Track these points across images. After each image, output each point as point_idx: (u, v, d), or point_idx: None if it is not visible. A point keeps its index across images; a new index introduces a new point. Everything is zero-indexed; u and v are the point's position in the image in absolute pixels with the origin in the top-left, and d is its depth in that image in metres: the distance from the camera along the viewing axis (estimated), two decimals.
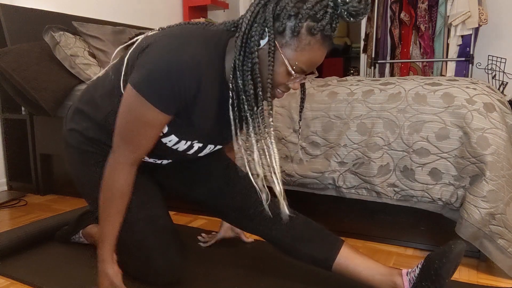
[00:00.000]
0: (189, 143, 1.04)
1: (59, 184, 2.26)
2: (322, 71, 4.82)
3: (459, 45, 3.00)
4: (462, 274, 1.26)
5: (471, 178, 1.26)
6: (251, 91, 0.88)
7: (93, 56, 2.16)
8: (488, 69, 3.11)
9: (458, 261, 0.96)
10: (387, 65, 3.38)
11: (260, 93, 0.88)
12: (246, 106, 0.90)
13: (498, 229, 1.20)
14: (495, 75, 3.06)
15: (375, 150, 1.39)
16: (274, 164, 0.90)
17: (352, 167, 1.43)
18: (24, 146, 2.31)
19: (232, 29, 0.96)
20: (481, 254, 1.33)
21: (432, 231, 1.43)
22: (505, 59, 3.09)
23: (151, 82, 0.86)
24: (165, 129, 0.98)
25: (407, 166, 1.35)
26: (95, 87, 1.11)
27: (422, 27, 3.16)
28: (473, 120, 1.27)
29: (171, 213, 1.36)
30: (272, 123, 0.90)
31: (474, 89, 1.35)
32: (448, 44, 3.06)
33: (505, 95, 2.77)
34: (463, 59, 2.98)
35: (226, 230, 1.46)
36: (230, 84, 0.91)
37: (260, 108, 0.89)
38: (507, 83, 3.00)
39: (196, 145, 1.06)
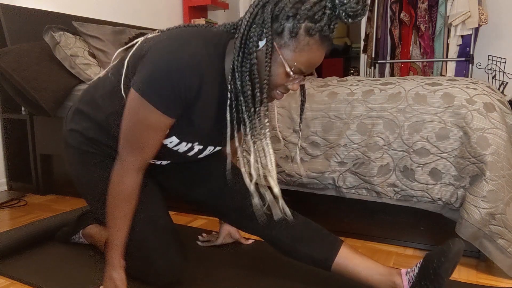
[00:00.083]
0: (189, 145, 1.04)
1: (59, 184, 2.26)
2: (322, 71, 4.82)
3: (459, 45, 3.00)
4: (462, 274, 1.26)
5: (471, 178, 1.26)
6: (249, 92, 0.88)
7: (93, 56, 2.16)
8: (488, 69, 3.11)
9: (457, 260, 0.96)
10: (387, 65, 3.38)
11: (258, 94, 0.88)
12: (244, 108, 0.90)
13: (498, 229, 1.20)
14: (495, 75, 3.06)
15: (375, 150, 1.39)
16: (270, 166, 0.90)
17: (352, 167, 1.43)
18: (24, 146, 2.31)
19: (232, 30, 0.96)
20: (481, 254, 1.33)
21: (432, 231, 1.43)
22: (505, 59, 3.10)
23: (153, 84, 0.87)
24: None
25: (407, 166, 1.35)
26: (96, 88, 1.11)
27: (422, 27, 3.16)
28: (473, 120, 1.27)
29: (171, 213, 1.36)
30: (267, 124, 0.90)
31: (474, 89, 1.35)
32: (448, 44, 3.06)
33: (505, 95, 2.77)
34: (463, 59, 2.98)
35: (224, 236, 1.46)
36: (229, 85, 0.91)
37: (257, 109, 0.89)
38: (507, 83, 3.00)
39: (197, 147, 1.06)
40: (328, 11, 0.83)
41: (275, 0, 0.85)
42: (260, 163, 0.91)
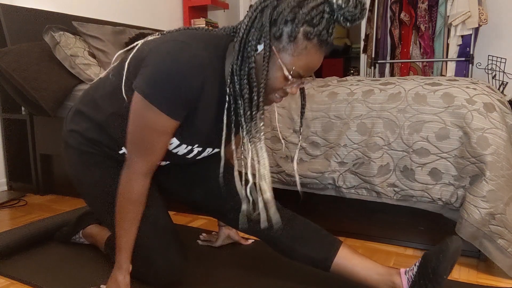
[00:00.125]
0: (189, 147, 1.05)
1: (59, 184, 2.26)
2: (322, 72, 4.82)
3: (459, 45, 3.00)
4: (462, 274, 1.26)
5: (471, 178, 1.26)
6: (247, 96, 0.89)
7: (93, 56, 2.16)
8: (488, 69, 3.11)
9: (456, 258, 0.96)
10: (387, 65, 3.38)
11: (255, 98, 0.88)
12: (242, 111, 0.90)
13: (498, 229, 1.20)
14: (495, 75, 3.06)
15: (375, 150, 1.39)
16: (263, 169, 0.90)
17: (352, 167, 1.43)
18: (24, 146, 2.31)
19: (232, 34, 0.97)
20: (481, 254, 1.33)
21: (431, 231, 1.43)
22: (505, 59, 3.10)
23: (157, 87, 0.87)
24: None
25: (407, 166, 1.35)
26: (96, 89, 1.11)
27: (422, 27, 3.16)
28: (473, 120, 1.27)
29: (171, 213, 1.36)
30: (263, 127, 0.91)
31: (474, 89, 1.35)
32: (448, 44, 3.06)
33: (505, 95, 2.77)
34: (463, 59, 2.98)
35: (224, 239, 1.46)
36: (228, 89, 0.92)
37: (254, 113, 0.89)
38: (507, 83, 3.00)
39: (196, 149, 1.07)
40: (326, 15, 0.83)
41: (273, 5, 0.85)
42: (254, 167, 0.91)
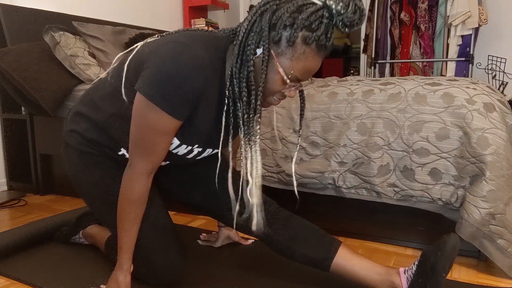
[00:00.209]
0: (189, 147, 1.05)
1: (59, 184, 2.26)
2: (322, 72, 4.82)
3: (459, 45, 3.00)
4: (462, 274, 1.26)
5: (471, 178, 1.26)
6: (245, 99, 0.90)
7: (93, 56, 2.16)
8: (488, 69, 3.11)
9: (454, 255, 0.96)
10: (387, 65, 3.38)
11: (253, 101, 0.89)
12: (240, 114, 0.91)
13: (498, 229, 1.20)
14: (495, 75, 3.06)
15: (375, 150, 1.39)
16: (254, 173, 0.91)
17: (352, 167, 1.43)
18: (24, 146, 2.31)
19: (232, 35, 0.97)
20: (481, 254, 1.33)
21: (431, 231, 1.43)
22: (505, 59, 3.09)
23: (160, 87, 0.87)
24: None
25: (407, 166, 1.35)
26: (96, 90, 1.11)
27: (422, 27, 3.16)
28: (473, 120, 1.27)
29: (171, 213, 1.36)
30: (258, 131, 0.92)
31: (474, 89, 1.35)
32: (448, 44, 3.06)
33: (505, 95, 2.76)
34: (463, 59, 2.98)
35: (223, 239, 1.46)
36: (227, 91, 0.93)
37: (251, 115, 0.90)
38: (507, 83, 3.00)
39: (196, 149, 1.07)
40: (325, 21, 0.84)
41: (273, 9, 0.86)
42: (249, 170, 0.92)
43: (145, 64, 0.91)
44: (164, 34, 0.99)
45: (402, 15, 3.21)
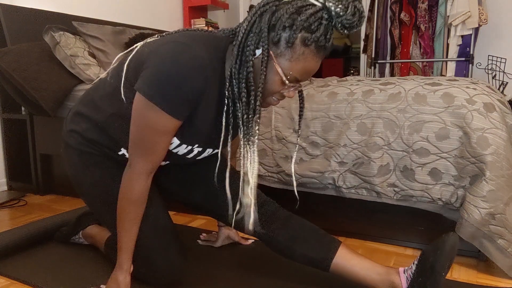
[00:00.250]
0: (189, 147, 1.05)
1: (59, 184, 2.26)
2: (322, 71, 4.82)
3: (459, 45, 3.00)
4: (462, 274, 1.26)
5: (471, 178, 1.26)
6: (244, 99, 0.90)
7: (93, 56, 2.16)
8: (488, 69, 3.11)
9: (453, 254, 0.96)
10: (387, 65, 3.38)
11: (252, 101, 0.89)
12: (240, 114, 0.92)
13: (498, 229, 1.20)
14: (495, 75, 3.06)
15: (375, 150, 1.39)
16: (250, 174, 0.92)
17: (352, 167, 1.43)
18: (24, 146, 2.31)
19: (231, 36, 0.97)
20: (481, 254, 1.33)
21: (431, 231, 1.43)
22: (505, 59, 3.09)
23: (160, 87, 0.88)
24: None
25: (407, 166, 1.35)
26: (95, 90, 1.11)
27: (422, 27, 3.16)
28: (473, 120, 1.27)
29: (171, 213, 1.36)
30: (257, 131, 0.92)
31: (474, 89, 1.35)
32: (448, 44, 3.06)
33: (505, 95, 2.76)
34: (463, 59, 2.98)
35: (223, 239, 1.46)
36: (226, 92, 0.93)
37: (250, 116, 0.91)
38: (507, 83, 3.00)
39: (196, 149, 1.07)
40: (324, 22, 0.84)
41: (272, 10, 0.86)
42: (246, 169, 0.92)
43: (145, 64, 0.91)
44: (164, 34, 1.00)
45: (402, 15, 3.21)
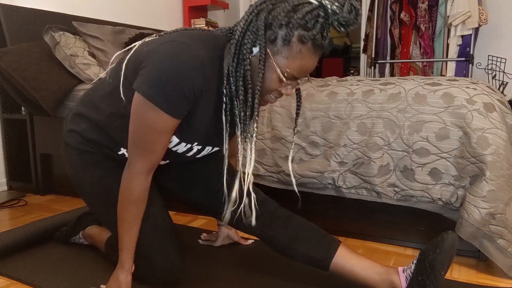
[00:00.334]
0: (188, 145, 1.05)
1: (59, 184, 2.26)
2: (322, 71, 4.82)
3: (459, 45, 3.00)
4: (462, 274, 1.26)
5: (471, 178, 1.26)
6: (241, 97, 0.91)
7: (93, 56, 2.16)
8: (488, 69, 3.11)
9: (452, 251, 0.97)
10: (387, 65, 3.38)
11: (250, 99, 0.90)
12: (237, 112, 0.92)
13: (498, 229, 1.20)
14: (495, 75, 3.06)
15: (375, 150, 1.39)
16: (248, 170, 0.92)
17: (352, 167, 1.43)
18: (24, 146, 2.31)
19: (229, 34, 0.97)
20: (481, 254, 1.33)
21: (431, 231, 1.43)
22: (505, 59, 3.09)
23: (158, 87, 0.88)
24: None
25: (407, 166, 1.35)
26: (95, 90, 1.11)
27: (422, 27, 3.16)
28: (473, 120, 1.27)
29: (171, 213, 1.36)
30: (256, 129, 0.93)
31: (474, 89, 1.35)
32: (448, 44, 3.06)
33: (505, 95, 2.76)
34: (463, 59, 2.98)
35: (223, 239, 1.46)
36: (224, 90, 0.93)
37: (248, 113, 0.91)
38: (507, 83, 3.00)
39: (195, 147, 1.07)
40: (321, 20, 0.84)
41: (269, 8, 0.86)
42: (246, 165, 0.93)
43: (144, 63, 0.91)
44: (162, 33, 1.00)
45: (402, 15, 3.21)
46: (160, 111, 0.89)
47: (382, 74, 3.39)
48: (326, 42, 0.88)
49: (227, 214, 1.03)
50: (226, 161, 1.02)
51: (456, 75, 3.07)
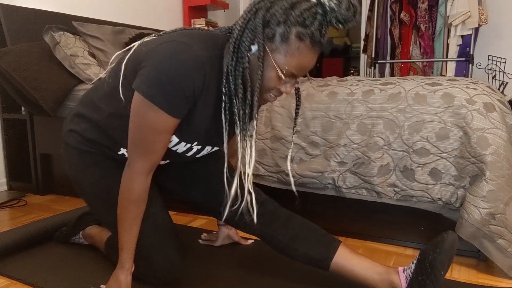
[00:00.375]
0: (188, 145, 1.05)
1: (59, 184, 2.26)
2: (322, 71, 4.82)
3: (459, 45, 3.00)
4: (462, 274, 1.26)
5: (471, 178, 1.26)
6: (241, 96, 0.91)
7: (93, 56, 2.16)
8: (488, 69, 3.11)
9: (452, 251, 0.97)
10: (387, 65, 3.38)
11: (249, 97, 0.90)
12: (236, 110, 0.92)
13: (498, 229, 1.20)
14: (495, 75, 3.06)
15: (375, 150, 1.39)
16: (248, 168, 0.92)
17: (352, 167, 1.43)
18: (24, 146, 2.31)
19: (228, 33, 0.98)
20: (481, 254, 1.33)
21: (431, 231, 1.43)
22: (505, 59, 3.10)
23: (158, 86, 0.88)
24: None
25: (407, 166, 1.35)
26: (95, 90, 1.12)
27: (422, 27, 3.16)
28: (473, 120, 1.27)
29: (171, 213, 1.36)
30: (255, 127, 0.93)
31: (474, 89, 1.35)
32: (448, 44, 3.06)
33: (505, 95, 2.77)
34: (463, 59, 2.98)
35: (223, 239, 1.46)
36: (223, 89, 0.93)
37: (247, 112, 0.91)
38: (507, 83, 3.00)
39: (195, 147, 1.07)
40: (319, 17, 0.84)
41: (267, 6, 0.86)
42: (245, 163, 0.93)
43: (143, 63, 0.91)
44: (161, 33, 1.00)
45: (402, 15, 3.21)
46: (160, 111, 0.89)
47: (382, 74, 3.39)
48: (324, 39, 0.88)
49: (226, 211, 1.03)
50: (226, 160, 1.02)
51: (456, 75, 3.07)
